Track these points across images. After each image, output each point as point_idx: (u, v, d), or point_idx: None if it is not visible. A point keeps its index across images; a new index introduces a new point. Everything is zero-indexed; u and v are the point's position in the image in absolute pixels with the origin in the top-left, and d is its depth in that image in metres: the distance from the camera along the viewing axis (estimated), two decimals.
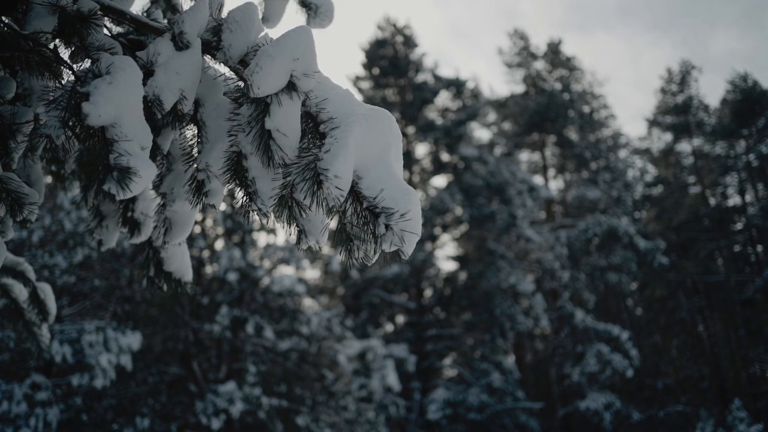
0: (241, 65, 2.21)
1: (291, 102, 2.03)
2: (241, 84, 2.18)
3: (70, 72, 2.15)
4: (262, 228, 18.47)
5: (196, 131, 2.29)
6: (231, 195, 2.46)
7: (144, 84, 2.06)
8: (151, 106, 2.02)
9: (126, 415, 14.85)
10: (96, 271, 15.96)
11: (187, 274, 3.35)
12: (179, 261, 3.20)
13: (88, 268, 15.82)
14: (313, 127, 2.08)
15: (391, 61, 29.40)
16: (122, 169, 1.82)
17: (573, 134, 32.13)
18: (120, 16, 2.48)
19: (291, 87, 2.02)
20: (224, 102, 2.27)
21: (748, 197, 32.38)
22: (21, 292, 4.43)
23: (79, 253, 15.12)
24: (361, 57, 30.30)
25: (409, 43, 30.02)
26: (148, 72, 2.15)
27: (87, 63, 2.14)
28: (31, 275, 4.42)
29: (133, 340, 14.58)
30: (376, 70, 29.86)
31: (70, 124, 1.93)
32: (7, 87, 2.43)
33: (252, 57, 2.16)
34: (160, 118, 2.09)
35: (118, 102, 1.90)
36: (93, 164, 2.63)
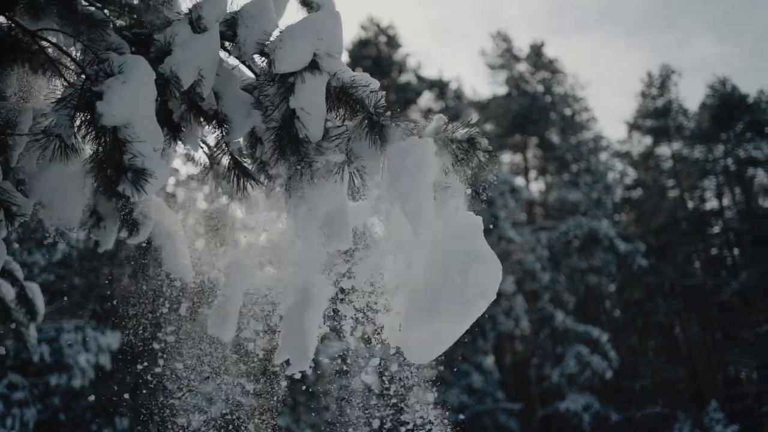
0: (259, 54, 2.18)
1: (314, 79, 2.01)
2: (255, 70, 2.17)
3: (80, 71, 2.09)
4: (244, 227, 18.34)
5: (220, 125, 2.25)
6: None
7: (161, 62, 2.00)
8: (168, 83, 1.96)
9: (105, 414, 14.68)
10: (75, 269, 15.75)
11: (188, 275, 3.29)
12: (179, 262, 3.14)
13: (67, 267, 15.61)
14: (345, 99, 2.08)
15: (374, 62, 29.36)
16: (137, 171, 1.76)
17: (555, 136, 32.28)
18: None
19: (314, 65, 2.00)
20: (242, 95, 2.24)
21: (726, 201, 32.76)
22: (8, 291, 4.33)
23: (58, 251, 14.91)
24: (344, 57, 30.21)
25: (393, 43, 30.00)
26: (165, 52, 2.08)
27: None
28: (19, 274, 4.33)
29: (113, 339, 14.41)
30: (359, 70, 29.76)
31: (78, 123, 1.88)
32: (7, 84, 2.37)
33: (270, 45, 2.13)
34: (179, 96, 2.03)
35: (131, 102, 1.85)
36: (97, 163, 2.57)
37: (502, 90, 33.53)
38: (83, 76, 1.93)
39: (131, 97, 1.88)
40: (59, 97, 1.91)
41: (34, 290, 4.24)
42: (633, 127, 35.27)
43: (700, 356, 30.20)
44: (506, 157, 34.54)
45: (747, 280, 28.10)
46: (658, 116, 33.55)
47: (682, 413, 25.26)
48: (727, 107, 31.54)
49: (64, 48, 2.17)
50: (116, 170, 1.78)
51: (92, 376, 13.72)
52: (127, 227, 2.83)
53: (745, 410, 25.94)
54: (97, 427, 14.43)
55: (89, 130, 1.84)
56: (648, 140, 35.10)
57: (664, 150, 34.35)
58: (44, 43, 2.09)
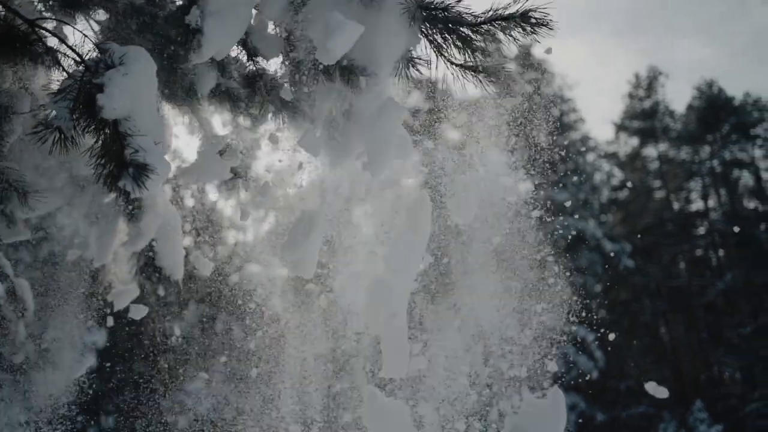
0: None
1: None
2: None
3: (79, 61, 2.04)
4: (232, 226, 18.25)
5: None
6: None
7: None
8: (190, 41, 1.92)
9: (90, 413, 14.56)
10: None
11: (178, 272, 3.25)
12: (172, 258, 3.10)
13: (53, 263, 15.46)
14: None
15: None
16: (139, 166, 1.72)
17: (542, 137, 32.31)
18: None
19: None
20: (271, 37, 2.21)
21: (711, 202, 33.00)
22: None
23: (44, 247, 14.77)
24: None
25: None
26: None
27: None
28: (9, 270, 4.27)
29: (98, 337, 14.29)
30: None
31: (76, 115, 1.83)
32: (2, 76, 2.32)
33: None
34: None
35: (132, 94, 1.80)
36: (97, 158, 2.53)
37: (490, 90, 33.50)
38: (83, 67, 1.89)
39: (132, 90, 1.83)
40: (58, 88, 1.86)
41: (24, 287, 4.19)
42: (620, 128, 35.38)
43: (685, 356, 30.38)
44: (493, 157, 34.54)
45: (731, 281, 28.33)
46: (645, 117, 33.69)
47: (667, 413, 25.41)
48: (714, 109, 31.75)
49: (62, 37, 2.13)
50: (117, 165, 1.74)
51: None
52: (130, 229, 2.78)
53: (729, 410, 26.14)
54: (82, 425, 14.31)
55: (89, 122, 1.79)
56: (635, 141, 35.23)
57: (651, 151, 34.51)
58: (43, 32, 2.04)
